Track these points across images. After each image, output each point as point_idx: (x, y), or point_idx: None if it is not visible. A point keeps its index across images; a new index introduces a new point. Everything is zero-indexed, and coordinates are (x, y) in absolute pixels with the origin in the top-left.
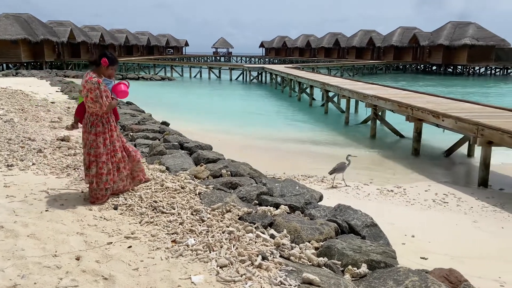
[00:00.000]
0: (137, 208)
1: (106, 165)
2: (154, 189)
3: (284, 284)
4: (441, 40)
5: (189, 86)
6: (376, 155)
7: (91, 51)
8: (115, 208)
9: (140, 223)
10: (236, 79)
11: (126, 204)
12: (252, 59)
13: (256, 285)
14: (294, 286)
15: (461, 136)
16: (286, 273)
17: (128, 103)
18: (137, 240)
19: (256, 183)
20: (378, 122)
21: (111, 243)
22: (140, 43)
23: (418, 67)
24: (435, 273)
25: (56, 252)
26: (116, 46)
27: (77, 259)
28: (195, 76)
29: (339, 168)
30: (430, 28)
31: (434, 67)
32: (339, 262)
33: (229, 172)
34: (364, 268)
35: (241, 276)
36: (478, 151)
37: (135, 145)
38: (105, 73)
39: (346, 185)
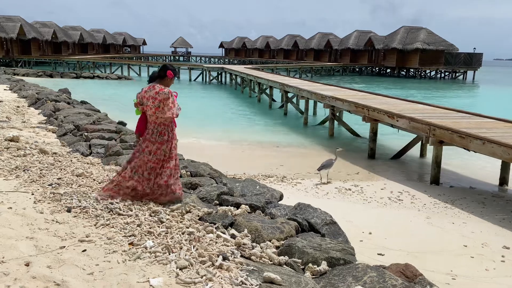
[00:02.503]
0: (92, 210)
1: (175, 171)
2: None
3: (245, 284)
4: (395, 44)
5: (145, 85)
6: (333, 154)
7: (43, 48)
8: (69, 211)
9: (95, 225)
10: (195, 79)
11: (80, 206)
12: (212, 59)
13: (217, 286)
14: (256, 286)
15: (414, 136)
16: (247, 273)
17: (83, 102)
18: (92, 244)
19: (217, 183)
20: (336, 123)
21: (64, 247)
22: (95, 41)
23: (373, 69)
24: (392, 269)
25: (3, 258)
26: (70, 44)
27: (27, 265)
28: None
29: (327, 165)
30: (385, 32)
31: (388, 70)
32: (300, 260)
33: (189, 173)
34: (324, 266)
35: (202, 277)
36: (430, 151)
37: (89, 146)
38: (169, 84)
39: (328, 182)
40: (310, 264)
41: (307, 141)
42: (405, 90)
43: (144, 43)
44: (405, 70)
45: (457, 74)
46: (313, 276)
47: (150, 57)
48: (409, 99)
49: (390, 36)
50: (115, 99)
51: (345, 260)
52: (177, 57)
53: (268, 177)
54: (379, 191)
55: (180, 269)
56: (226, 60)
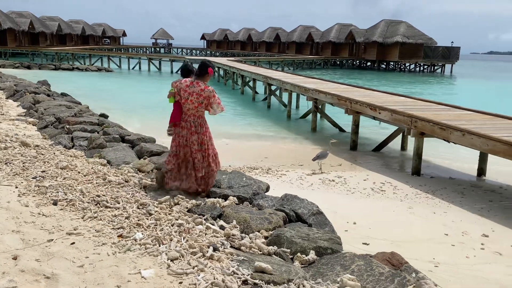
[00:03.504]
0: (78, 203)
1: (213, 157)
2: (96, 183)
3: (237, 274)
4: (375, 37)
5: (127, 77)
6: (316, 146)
7: (19, 39)
8: (55, 204)
9: (82, 218)
10: (177, 71)
11: (67, 199)
12: (194, 51)
13: (208, 276)
14: (247, 275)
15: (395, 128)
16: (238, 263)
17: (63, 94)
18: (80, 236)
19: None
20: (318, 116)
21: (52, 240)
22: (74, 32)
23: (354, 62)
24: (379, 257)
25: None
26: (48, 35)
27: (14, 258)
28: (133, 68)
29: (322, 155)
30: (365, 26)
31: (369, 63)
32: (288, 250)
33: None
34: (312, 255)
35: (193, 268)
36: (410, 144)
37: (72, 138)
38: (207, 79)
39: (322, 172)
40: (298, 254)
41: (290, 134)
42: (386, 83)
43: (124, 34)
44: (385, 63)
45: (435, 68)
46: (302, 266)
47: (130, 49)
48: (390, 92)
49: (370, 30)
50: (96, 91)
51: (333, 249)
52: (158, 49)
53: (254, 169)
54: (362, 182)
55: (171, 260)
56: (208, 52)
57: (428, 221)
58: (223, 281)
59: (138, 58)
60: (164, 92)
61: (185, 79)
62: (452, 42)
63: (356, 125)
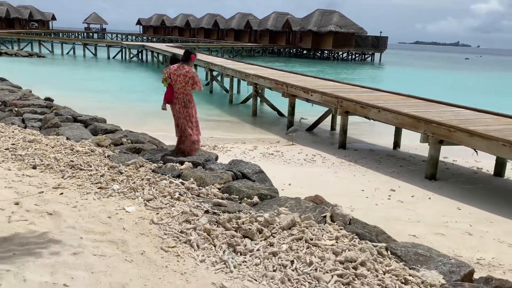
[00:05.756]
0: (56, 167)
1: (196, 126)
2: (65, 152)
3: (200, 206)
4: (310, 26)
5: (62, 63)
6: (257, 128)
7: None
8: (34, 168)
9: (63, 177)
10: (114, 57)
11: (44, 164)
12: (130, 36)
13: (178, 208)
14: (209, 207)
15: (326, 110)
16: (201, 201)
17: (2, 79)
18: (66, 189)
19: (158, 147)
20: (259, 101)
21: (43, 192)
22: None
23: (291, 51)
24: (306, 198)
25: None
26: None
27: (16, 204)
28: (67, 53)
29: (293, 130)
30: (301, 15)
31: (305, 51)
32: (237, 197)
33: (130, 141)
34: (256, 199)
35: (166, 204)
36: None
37: (23, 120)
38: (191, 64)
39: (293, 144)
40: (245, 198)
41: (233, 118)
42: (321, 70)
43: (54, 18)
44: (320, 52)
45: (366, 56)
46: (248, 206)
47: (61, 34)
48: (322, 77)
49: (306, 19)
50: (34, 77)
51: (271, 195)
52: (91, 34)
53: (202, 146)
54: (297, 154)
55: (147, 201)
56: (145, 38)
57: (349, 182)
58: (190, 210)
59: (73, 43)
60: (106, 77)
61: (173, 65)
62: (381, 32)
63: (292, 107)
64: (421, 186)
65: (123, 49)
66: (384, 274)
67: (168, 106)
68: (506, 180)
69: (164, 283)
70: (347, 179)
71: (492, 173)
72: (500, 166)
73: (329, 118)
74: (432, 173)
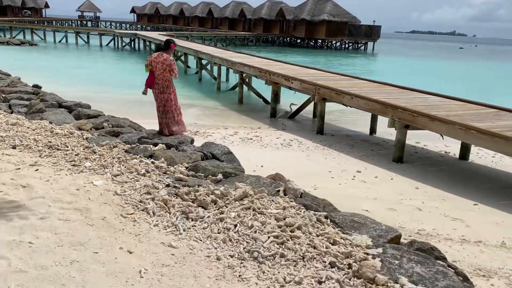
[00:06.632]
0: (34, 147)
1: (175, 111)
2: (45, 134)
3: (163, 181)
4: (304, 15)
5: (54, 51)
6: (242, 114)
7: None
8: (14, 148)
9: (40, 156)
10: (107, 44)
11: (23, 144)
12: (123, 25)
13: (142, 182)
14: (170, 181)
15: (308, 97)
16: (165, 176)
17: None
18: (41, 166)
19: (136, 131)
20: (246, 89)
21: (19, 168)
22: None
23: (285, 40)
24: (268, 176)
25: None
26: None
27: None
28: (60, 41)
29: (282, 115)
30: (295, 3)
31: (298, 40)
32: (203, 174)
33: (111, 125)
34: (220, 176)
35: (131, 179)
36: (331, 115)
37: (9, 106)
38: (170, 53)
39: (284, 128)
40: (210, 176)
41: (219, 105)
42: (313, 59)
43: (47, 6)
44: (313, 41)
45: (359, 45)
46: (211, 182)
47: (55, 22)
48: (305, 65)
49: (299, 7)
50: (24, 64)
51: (236, 174)
52: (85, 22)
53: (186, 131)
54: (275, 139)
55: (114, 176)
56: (139, 26)
57: (318, 164)
58: (152, 184)
59: (65, 31)
60: (97, 65)
61: (155, 53)
62: (374, 21)
63: (275, 95)
64: (387, 168)
65: (116, 38)
66: (317, 237)
67: (150, 91)
68: (469, 163)
69: (119, 242)
70: (318, 162)
71: (458, 156)
72: (464, 150)
73: (312, 105)
74: (399, 156)
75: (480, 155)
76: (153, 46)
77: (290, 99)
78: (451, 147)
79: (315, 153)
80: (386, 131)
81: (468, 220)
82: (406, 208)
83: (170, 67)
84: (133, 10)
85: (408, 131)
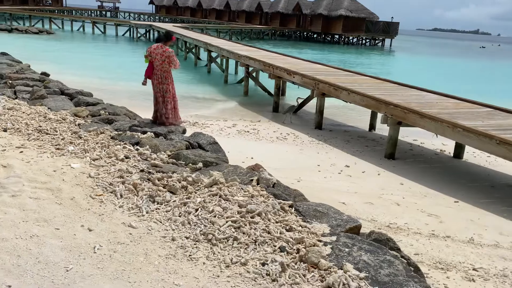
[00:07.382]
0: (24, 130)
1: (173, 102)
2: (38, 119)
3: (137, 166)
4: (321, 10)
5: (71, 40)
6: (245, 107)
7: None
8: (5, 130)
9: (28, 140)
10: (123, 34)
11: (14, 127)
12: (142, 16)
13: (118, 167)
14: (145, 166)
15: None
16: (142, 162)
17: (3, 54)
18: (27, 149)
19: (130, 119)
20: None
21: (5, 150)
22: None
23: (301, 34)
24: (248, 167)
25: None
26: None
27: None
28: (78, 30)
29: (289, 109)
30: None
31: (315, 35)
32: (184, 162)
33: (107, 113)
34: (200, 165)
35: (108, 164)
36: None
37: (15, 92)
38: (169, 44)
39: (291, 122)
40: (190, 164)
41: (224, 97)
42: (328, 54)
43: None
44: (330, 36)
45: (376, 41)
46: (191, 170)
47: (74, 11)
48: (309, 60)
49: (316, 2)
50: (38, 52)
51: (217, 163)
52: (104, 13)
53: (183, 122)
54: (272, 133)
55: (93, 160)
56: (157, 17)
57: (309, 158)
58: (126, 169)
59: (82, 21)
60: (109, 56)
61: (155, 44)
62: (392, 17)
63: (278, 89)
64: (377, 164)
65: (131, 28)
66: (276, 223)
67: (149, 81)
68: (463, 161)
69: (82, 221)
70: (309, 156)
71: (452, 155)
72: (459, 148)
73: (315, 100)
74: (391, 152)
75: (476, 155)
76: None
77: (296, 93)
78: (448, 145)
79: (308, 147)
80: (385, 127)
81: (443, 216)
82: (384, 203)
83: (169, 58)
84: (151, 1)
85: (407, 129)
